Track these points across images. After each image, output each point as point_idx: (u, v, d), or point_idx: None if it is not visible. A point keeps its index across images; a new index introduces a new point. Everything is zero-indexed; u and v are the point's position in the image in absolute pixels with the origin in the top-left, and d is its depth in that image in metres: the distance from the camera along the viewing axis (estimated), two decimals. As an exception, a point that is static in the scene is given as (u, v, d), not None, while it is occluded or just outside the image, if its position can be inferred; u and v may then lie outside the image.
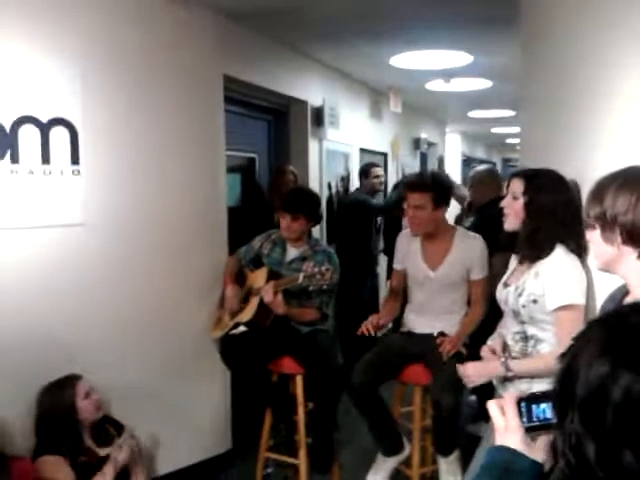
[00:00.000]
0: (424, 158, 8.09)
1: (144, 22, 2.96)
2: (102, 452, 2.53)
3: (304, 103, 4.63)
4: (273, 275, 2.99)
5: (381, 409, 2.83)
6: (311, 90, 4.71)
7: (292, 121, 4.71)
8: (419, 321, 2.89)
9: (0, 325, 2.46)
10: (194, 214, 3.24)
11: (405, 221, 3.05)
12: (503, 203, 2.14)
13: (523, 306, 2.04)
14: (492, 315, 2.45)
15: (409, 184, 2.88)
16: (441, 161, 8.76)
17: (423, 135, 7.75)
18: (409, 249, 2.91)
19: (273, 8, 3.39)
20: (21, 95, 2.49)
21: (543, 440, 1.00)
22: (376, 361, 2.82)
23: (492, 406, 1.04)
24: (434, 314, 2.84)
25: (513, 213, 2.09)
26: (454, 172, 8.86)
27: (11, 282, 2.50)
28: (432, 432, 2.86)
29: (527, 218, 2.05)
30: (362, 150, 5.88)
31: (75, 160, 2.66)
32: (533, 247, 2.04)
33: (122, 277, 2.90)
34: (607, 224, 1.40)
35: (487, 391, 2.27)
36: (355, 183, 5.60)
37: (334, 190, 5.28)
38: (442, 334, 2.78)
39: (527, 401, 1.02)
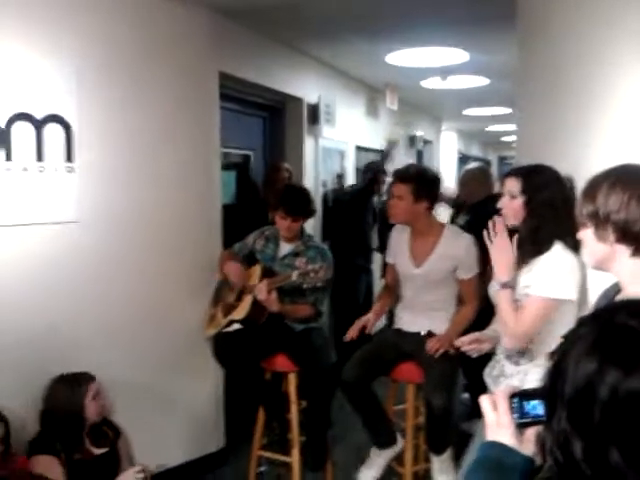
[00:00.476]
0: (420, 156, 8.08)
1: (140, 19, 2.95)
2: (97, 452, 2.56)
3: (300, 100, 4.63)
4: (267, 272, 2.99)
5: (374, 404, 2.84)
6: (307, 87, 4.70)
7: (288, 118, 4.70)
8: (408, 319, 2.90)
9: (-7, 322, 2.46)
10: (188, 211, 3.23)
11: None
12: (500, 203, 2.13)
13: (517, 300, 2.04)
14: (486, 312, 2.45)
15: (395, 173, 2.92)
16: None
17: (419, 133, 7.75)
18: (399, 244, 2.92)
19: (269, 5, 3.38)
20: (15, 92, 2.48)
21: (532, 431, 1.00)
22: (369, 356, 2.84)
23: (485, 401, 1.05)
24: (421, 311, 2.85)
25: (512, 212, 2.08)
26: (450, 170, 8.86)
27: (5, 279, 2.49)
28: (425, 430, 2.87)
29: (527, 216, 2.05)
30: (358, 148, 5.88)
31: (69, 157, 2.65)
32: (534, 244, 2.04)
33: (116, 274, 2.89)
34: (600, 222, 1.40)
35: (480, 389, 2.27)
36: (350, 181, 5.60)
37: (329, 187, 5.27)
38: (430, 333, 2.79)
39: (519, 397, 1.03)
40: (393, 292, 3.04)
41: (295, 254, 3.05)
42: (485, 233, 2.08)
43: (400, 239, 2.93)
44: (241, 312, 2.98)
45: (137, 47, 2.93)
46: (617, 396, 0.75)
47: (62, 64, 2.61)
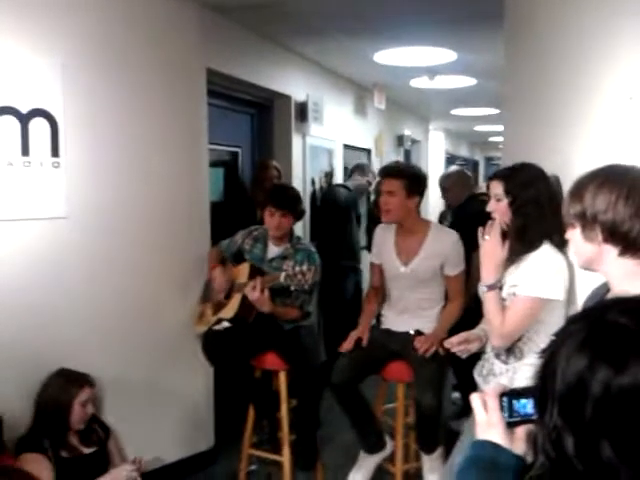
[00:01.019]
0: (408, 155, 8.10)
1: (127, 14, 2.92)
2: (86, 450, 2.54)
3: (288, 98, 4.61)
4: (255, 271, 2.98)
5: (362, 407, 2.83)
6: (295, 85, 4.69)
7: (276, 115, 4.68)
8: (396, 319, 2.89)
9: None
10: (176, 208, 3.21)
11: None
12: (489, 208, 2.14)
13: (504, 299, 2.05)
14: (475, 311, 2.46)
15: (383, 170, 2.91)
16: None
17: (407, 132, 7.77)
18: (384, 243, 2.90)
19: (257, 1, 3.37)
20: (0, 85, 2.44)
21: (522, 430, 1.01)
22: (357, 358, 2.81)
23: (475, 399, 1.06)
24: (409, 310, 2.84)
25: (500, 215, 2.09)
26: (438, 169, 8.89)
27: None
28: (415, 430, 2.87)
29: (513, 216, 2.06)
30: (346, 146, 5.88)
31: (55, 152, 2.62)
32: (522, 242, 2.04)
33: (104, 271, 2.87)
34: (587, 223, 1.40)
35: (471, 388, 2.28)
36: (338, 179, 5.60)
37: (317, 186, 5.27)
38: (419, 332, 2.78)
39: (509, 396, 1.04)
40: (380, 293, 3.02)
41: (283, 257, 3.02)
42: (480, 231, 2.08)
43: (385, 238, 2.90)
44: (229, 312, 2.96)
45: (124, 42, 2.90)
46: (610, 393, 0.75)
47: (48, 58, 2.57)
